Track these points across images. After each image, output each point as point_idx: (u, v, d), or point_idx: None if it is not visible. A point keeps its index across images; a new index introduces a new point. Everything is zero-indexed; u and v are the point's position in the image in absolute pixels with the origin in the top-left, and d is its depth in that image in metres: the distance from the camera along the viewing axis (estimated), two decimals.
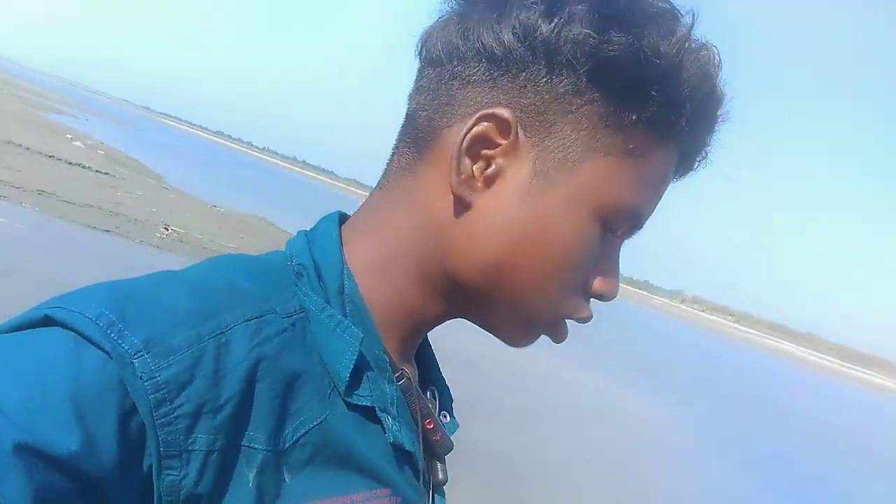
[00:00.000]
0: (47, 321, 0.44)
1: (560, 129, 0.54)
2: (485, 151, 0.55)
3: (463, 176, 0.55)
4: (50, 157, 13.45)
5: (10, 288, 5.27)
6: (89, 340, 0.43)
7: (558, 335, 0.61)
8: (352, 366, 0.53)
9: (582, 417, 10.17)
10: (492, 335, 0.62)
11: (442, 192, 0.56)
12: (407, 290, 0.59)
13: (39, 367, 0.42)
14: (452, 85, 0.56)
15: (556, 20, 0.52)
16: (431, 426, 0.61)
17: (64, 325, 0.44)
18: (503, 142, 0.54)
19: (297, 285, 0.55)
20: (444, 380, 0.70)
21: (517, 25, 0.53)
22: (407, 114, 0.60)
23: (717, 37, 0.57)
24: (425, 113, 0.58)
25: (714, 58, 0.56)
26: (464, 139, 0.54)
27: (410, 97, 0.61)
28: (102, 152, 18.97)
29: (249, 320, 0.49)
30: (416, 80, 0.60)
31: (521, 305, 0.58)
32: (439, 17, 0.59)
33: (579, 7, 0.52)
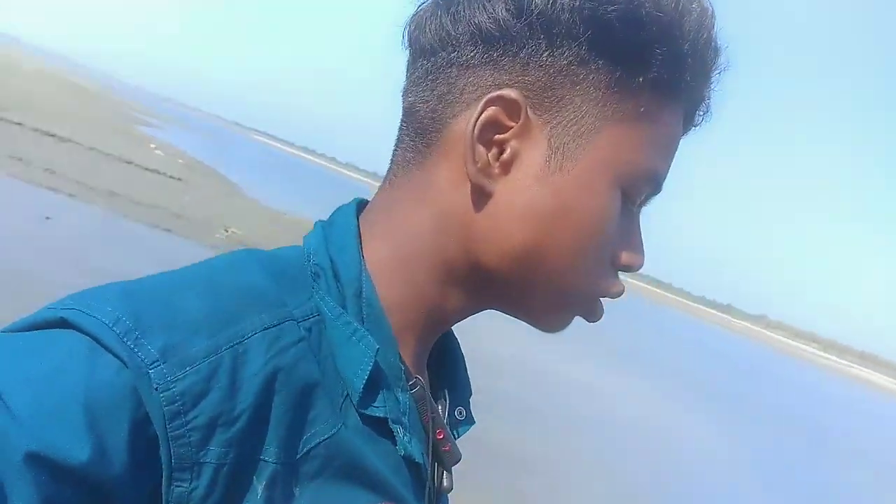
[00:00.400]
0: (62, 323, 0.44)
1: (570, 103, 0.53)
2: (497, 136, 0.53)
3: (479, 165, 0.53)
4: (128, 162, 14.12)
5: (72, 277, 5.54)
6: (105, 347, 0.43)
7: (595, 314, 0.60)
8: (366, 377, 0.52)
9: (630, 438, 9.83)
10: (526, 323, 0.61)
11: (457, 183, 0.55)
12: (428, 288, 0.57)
13: (53, 371, 0.42)
14: (451, 73, 0.55)
15: None
16: (441, 436, 0.60)
17: (79, 329, 0.43)
18: (514, 124, 0.53)
19: (314, 287, 0.54)
20: (465, 370, 0.68)
21: (509, 1, 0.52)
22: (405, 109, 0.59)
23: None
24: (426, 105, 0.56)
25: (708, 7, 0.55)
26: (474, 127, 0.53)
27: (406, 91, 0.59)
28: (182, 161, 19.78)
29: (268, 328, 0.49)
30: (409, 73, 0.59)
31: (556, 288, 0.57)
32: (422, 3, 0.58)
33: None
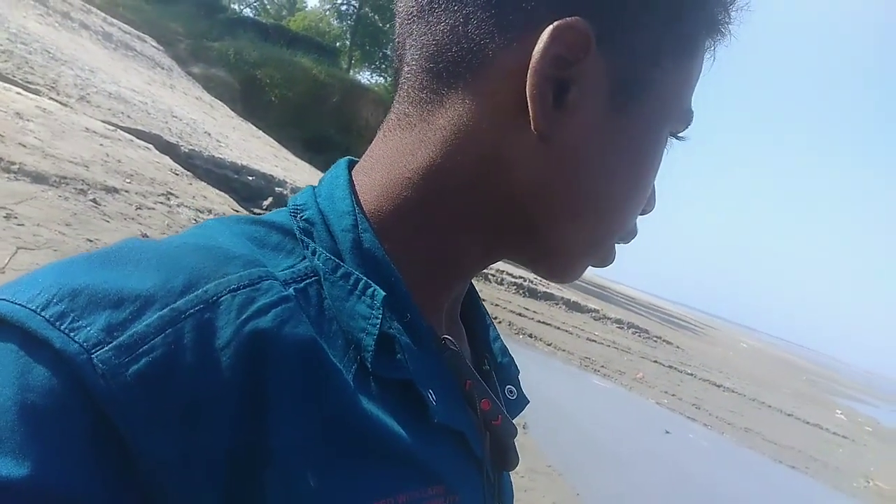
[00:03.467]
0: None
1: (633, 37, 0.46)
2: (562, 72, 0.44)
3: (542, 105, 0.44)
4: (789, 415, 13.97)
5: (679, 499, 6.14)
6: (36, 338, 0.34)
7: (610, 258, 0.54)
8: (376, 331, 0.43)
9: None
10: (538, 271, 0.54)
11: (502, 124, 0.46)
12: (448, 236, 0.49)
13: None
14: None
15: None
16: (488, 407, 0.51)
17: (5, 322, 0.34)
18: (581, 59, 0.44)
19: (305, 245, 0.46)
20: (504, 346, 0.61)
21: None
22: (413, 46, 0.48)
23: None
24: (452, 38, 0.46)
25: None
26: (540, 61, 0.44)
27: (414, 18, 0.48)
28: (869, 429, 18.09)
29: (236, 290, 0.38)
30: None
31: (599, 233, 0.51)
32: None
33: None
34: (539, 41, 0.44)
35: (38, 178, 5.60)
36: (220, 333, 0.37)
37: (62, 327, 0.34)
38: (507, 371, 0.59)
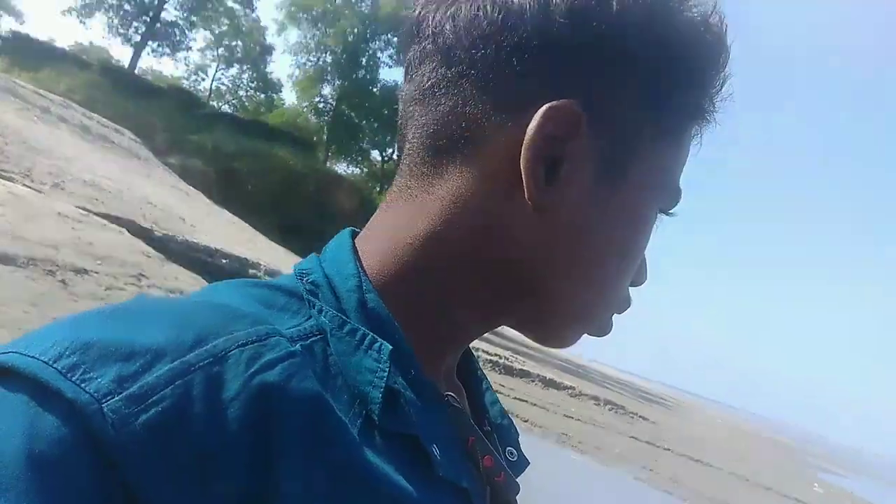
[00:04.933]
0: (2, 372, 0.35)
1: (620, 117, 0.48)
2: (554, 149, 0.47)
3: (535, 179, 0.47)
4: (768, 489, 13.74)
5: None
6: (47, 389, 0.34)
7: (607, 328, 0.56)
8: (384, 384, 0.44)
9: None
10: (535, 338, 0.55)
11: (502, 196, 0.48)
12: (450, 301, 0.50)
13: None
14: (490, 78, 0.48)
15: (614, 4, 0.47)
16: (491, 463, 0.51)
17: (18, 374, 0.35)
18: (571, 137, 0.47)
19: (311, 305, 0.47)
20: (503, 409, 0.62)
21: (572, 8, 0.46)
22: (419, 120, 0.51)
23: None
24: (453, 118, 0.49)
25: (724, 27, 0.51)
26: (533, 139, 0.46)
27: (412, 101, 0.52)
28: (848, 502, 17.80)
29: (245, 345, 0.39)
30: (422, 76, 0.51)
31: (590, 301, 0.52)
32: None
33: None
34: (533, 120, 0.46)
35: (6, 259, 5.52)
36: (229, 386, 0.37)
37: (73, 378, 0.34)
38: (507, 433, 0.60)
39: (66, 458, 0.33)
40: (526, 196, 0.47)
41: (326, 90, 34.80)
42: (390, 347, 0.45)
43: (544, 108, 0.46)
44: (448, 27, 0.49)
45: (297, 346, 0.42)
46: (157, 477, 0.34)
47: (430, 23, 0.50)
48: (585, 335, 0.57)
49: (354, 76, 33.80)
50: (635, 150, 0.50)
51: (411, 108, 0.52)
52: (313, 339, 0.44)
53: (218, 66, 34.52)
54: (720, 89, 0.53)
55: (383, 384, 0.44)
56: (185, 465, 0.34)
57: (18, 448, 0.33)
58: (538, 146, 0.46)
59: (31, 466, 0.32)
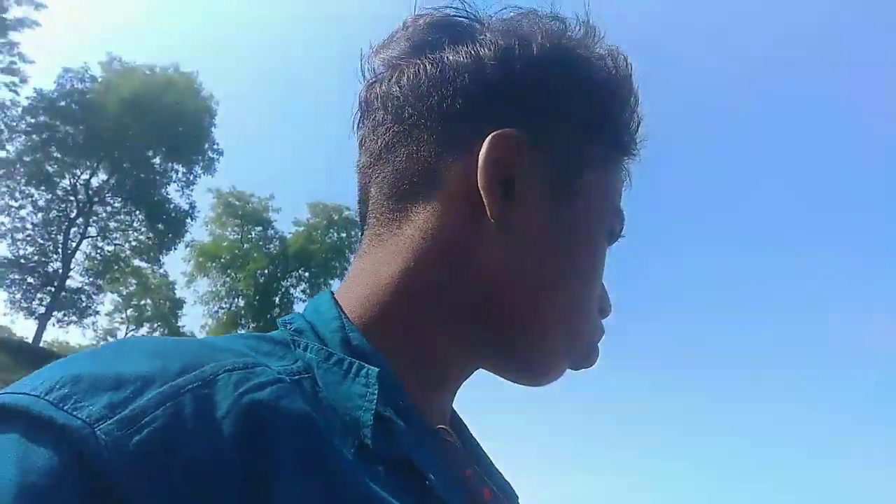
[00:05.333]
0: None
1: (558, 146, 0.54)
2: (505, 171, 0.52)
3: (493, 197, 0.51)
4: None
5: None
6: (40, 420, 0.34)
7: (591, 358, 0.59)
8: (373, 407, 0.44)
9: None
10: (518, 378, 0.57)
11: (466, 222, 0.52)
12: (431, 333, 0.52)
13: None
14: (438, 124, 0.53)
15: (534, 47, 0.54)
16: (490, 496, 0.51)
17: (9, 411, 0.35)
18: (517, 159, 0.52)
19: (297, 345, 0.48)
20: (499, 472, 0.61)
21: (498, 55, 0.54)
22: (380, 177, 0.56)
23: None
24: (411, 164, 0.54)
25: (628, 66, 0.58)
26: (485, 162, 0.51)
27: (369, 166, 0.57)
28: None
29: (232, 370, 0.39)
30: (376, 139, 0.56)
31: (563, 323, 0.55)
32: (374, 79, 0.58)
33: (538, 44, 0.54)
34: (482, 148, 0.52)
35: None
36: (219, 405, 0.37)
37: (65, 407, 0.35)
38: (506, 495, 0.58)
39: (59, 486, 0.33)
40: (489, 214, 0.51)
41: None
42: (377, 370, 0.46)
43: (490, 136, 0.51)
44: (395, 91, 0.55)
45: (287, 379, 0.42)
46: (154, 496, 0.33)
47: (378, 94, 0.56)
48: (573, 371, 0.59)
49: (269, 315, 33.86)
50: (578, 172, 0.55)
51: (370, 171, 0.57)
52: (301, 376, 0.45)
53: (128, 327, 33.90)
54: (636, 128, 0.59)
55: (373, 407, 0.44)
56: (181, 483, 0.34)
57: (10, 480, 0.32)
58: (491, 168, 0.51)
59: (24, 497, 0.32)
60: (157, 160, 23.45)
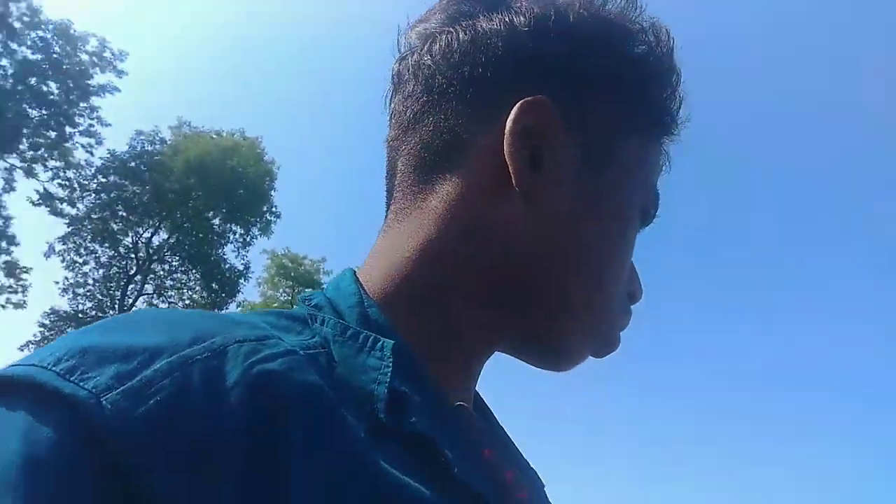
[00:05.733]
0: (2, 385, 0.35)
1: (593, 116, 0.52)
2: (533, 140, 0.50)
3: (520, 165, 0.49)
4: None
5: None
6: (45, 390, 0.34)
7: (614, 344, 0.57)
8: (388, 380, 0.43)
9: None
10: (540, 361, 0.55)
11: (492, 193, 0.50)
12: (453, 306, 0.50)
13: None
14: (468, 91, 0.52)
15: (570, 16, 0.52)
16: (513, 479, 0.49)
17: (17, 383, 0.35)
18: (546, 128, 0.50)
19: (315, 320, 0.47)
20: (524, 458, 0.59)
21: (533, 23, 0.52)
22: (406, 148, 0.54)
23: None
24: (438, 134, 0.52)
25: (669, 36, 0.56)
26: (512, 129, 0.49)
27: (402, 133, 0.55)
28: None
29: (243, 342, 0.38)
30: (405, 110, 0.55)
31: (589, 300, 0.52)
32: (407, 51, 0.56)
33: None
34: (510, 115, 0.50)
35: None
36: (229, 375, 0.37)
37: (72, 378, 0.34)
38: (532, 482, 0.56)
39: (64, 457, 0.32)
40: (514, 183, 0.50)
41: None
42: (392, 342, 0.45)
43: (520, 102, 0.50)
44: (426, 60, 0.54)
45: (300, 353, 0.41)
46: (160, 466, 0.33)
47: (409, 65, 0.55)
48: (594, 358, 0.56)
49: None
50: (611, 146, 0.53)
51: (397, 144, 0.56)
52: (317, 351, 0.44)
53: None
54: (677, 107, 0.57)
55: (387, 379, 0.43)
56: (188, 453, 0.34)
57: (16, 452, 0.32)
58: (519, 136, 0.50)
59: (29, 469, 0.32)
60: (216, 221, 23.92)
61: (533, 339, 0.54)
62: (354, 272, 0.53)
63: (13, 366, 0.36)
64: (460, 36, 0.53)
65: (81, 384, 0.34)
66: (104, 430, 0.33)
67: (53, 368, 0.35)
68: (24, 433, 0.33)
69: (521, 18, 0.52)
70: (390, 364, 0.44)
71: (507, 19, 0.52)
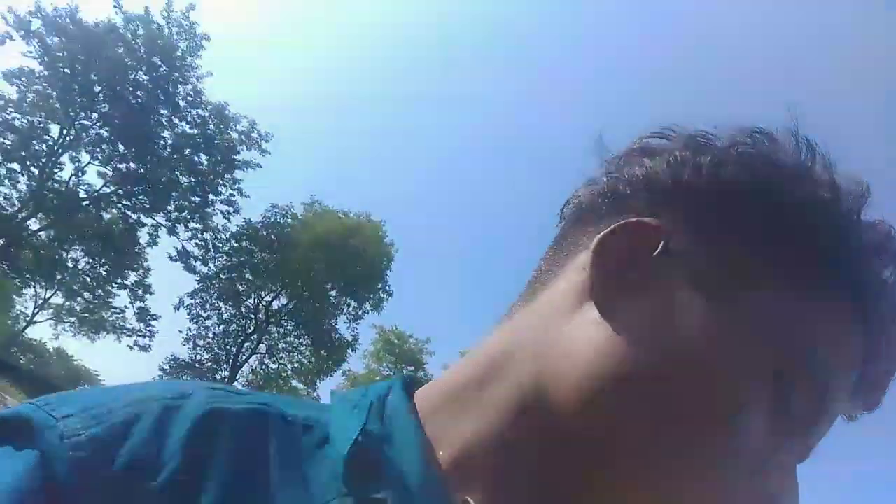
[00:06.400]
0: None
1: (710, 245, 0.46)
2: (628, 255, 0.45)
3: (603, 281, 0.45)
4: None
5: None
6: (24, 421, 0.37)
7: None
8: (354, 436, 0.41)
9: None
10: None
11: (558, 314, 0.46)
12: (503, 415, 0.45)
13: None
14: (590, 221, 0.50)
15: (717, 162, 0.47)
16: None
17: (15, 419, 0.37)
18: (648, 254, 0.45)
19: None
20: None
21: (674, 165, 0.48)
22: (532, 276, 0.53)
23: None
24: (548, 261, 0.52)
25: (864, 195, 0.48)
26: (601, 242, 0.46)
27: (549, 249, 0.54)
28: None
29: (213, 391, 0.41)
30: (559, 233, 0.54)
31: (667, 455, 0.41)
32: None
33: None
34: (609, 227, 0.46)
35: None
36: (185, 410, 0.38)
37: (44, 408, 0.37)
38: None
39: (20, 482, 0.34)
40: (591, 295, 0.45)
41: None
42: (372, 401, 0.45)
43: (624, 220, 0.46)
44: (573, 200, 0.52)
45: (278, 419, 0.42)
46: (86, 485, 0.34)
47: (568, 202, 0.53)
48: None
49: None
50: (729, 282, 0.44)
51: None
52: (304, 427, 0.43)
53: None
54: (867, 274, 0.46)
55: (354, 435, 0.41)
56: (117, 477, 0.35)
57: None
58: (610, 249, 0.46)
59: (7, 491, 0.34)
60: (333, 293, 24.63)
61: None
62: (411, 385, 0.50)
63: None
64: (607, 180, 0.51)
65: (52, 412, 0.37)
66: (53, 451, 0.35)
67: (36, 403, 0.38)
68: (5, 459, 0.35)
69: (662, 160, 0.48)
70: (362, 422, 0.43)
71: (650, 162, 0.49)
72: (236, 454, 0.38)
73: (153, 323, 22.72)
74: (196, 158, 21.24)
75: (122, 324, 22.83)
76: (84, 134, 19.85)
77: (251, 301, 24.49)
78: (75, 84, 18.92)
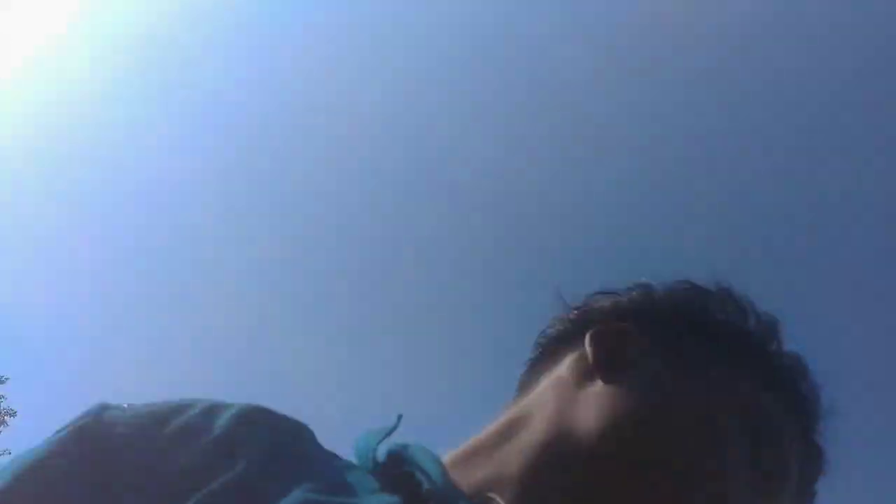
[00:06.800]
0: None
1: (672, 348, 0.58)
2: (617, 349, 0.57)
3: (598, 359, 0.56)
4: None
5: None
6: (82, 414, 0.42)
7: None
8: (376, 445, 0.48)
9: None
10: None
11: (576, 384, 0.56)
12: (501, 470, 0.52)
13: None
14: (590, 321, 0.61)
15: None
16: None
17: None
18: (629, 344, 0.57)
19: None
20: None
21: (635, 295, 0.63)
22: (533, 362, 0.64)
23: None
24: (536, 367, 0.62)
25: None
26: (595, 334, 0.58)
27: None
28: None
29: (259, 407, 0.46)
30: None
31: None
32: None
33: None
34: (600, 328, 0.58)
35: None
36: (230, 406, 0.43)
37: (102, 405, 0.42)
38: None
39: (54, 453, 0.39)
40: (594, 372, 0.56)
41: None
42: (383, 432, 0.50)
43: (610, 322, 0.59)
44: (553, 327, 0.63)
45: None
46: (127, 468, 0.39)
47: (552, 328, 0.64)
48: None
49: None
50: (695, 373, 0.56)
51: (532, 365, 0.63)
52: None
53: None
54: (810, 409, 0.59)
55: (377, 443, 0.48)
56: (167, 436, 0.40)
57: (31, 450, 0.40)
58: (601, 340, 0.57)
59: (27, 462, 0.39)
60: None
61: None
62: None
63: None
64: (617, 302, 0.62)
65: (104, 407, 0.42)
66: (94, 435, 0.40)
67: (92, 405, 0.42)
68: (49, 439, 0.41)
69: (626, 298, 0.62)
70: (376, 444, 0.49)
71: (616, 299, 0.62)
72: (281, 435, 0.44)
73: None
74: None
75: None
76: None
77: None
78: None
